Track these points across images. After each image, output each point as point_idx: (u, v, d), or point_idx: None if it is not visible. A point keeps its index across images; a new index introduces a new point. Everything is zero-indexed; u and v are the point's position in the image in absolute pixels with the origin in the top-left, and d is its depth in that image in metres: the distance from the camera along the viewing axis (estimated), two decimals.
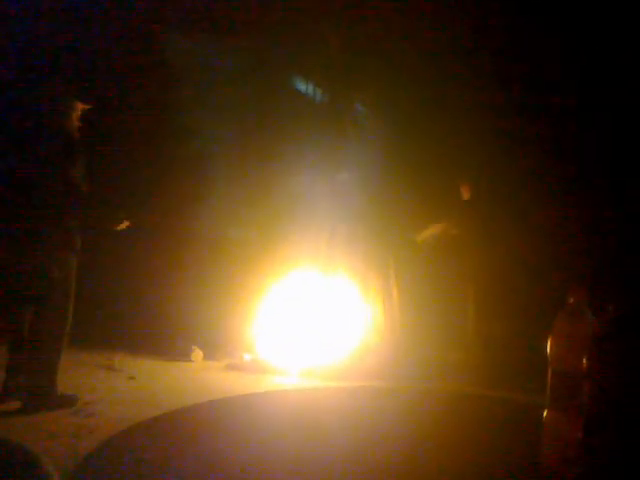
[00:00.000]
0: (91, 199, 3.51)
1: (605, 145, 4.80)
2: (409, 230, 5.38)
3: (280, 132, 5.71)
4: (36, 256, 3.34)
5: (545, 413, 1.70)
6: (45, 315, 3.38)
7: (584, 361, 1.40)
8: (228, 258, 5.45)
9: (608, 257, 4.24)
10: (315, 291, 5.20)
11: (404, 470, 2.00)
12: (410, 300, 5.35)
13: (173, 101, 5.43)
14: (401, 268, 5.42)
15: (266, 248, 5.36)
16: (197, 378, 4.58)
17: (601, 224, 4.67)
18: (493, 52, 5.31)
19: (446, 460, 1.99)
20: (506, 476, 1.84)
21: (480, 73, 5.33)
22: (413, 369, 4.76)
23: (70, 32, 5.01)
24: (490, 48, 5.31)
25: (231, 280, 5.25)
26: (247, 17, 5.61)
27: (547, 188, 5.00)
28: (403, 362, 4.90)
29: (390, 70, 5.72)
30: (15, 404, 3.35)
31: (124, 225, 3.69)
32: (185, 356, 5.06)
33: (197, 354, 5.12)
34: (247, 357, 5.03)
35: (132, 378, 4.34)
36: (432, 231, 5.27)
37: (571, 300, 1.59)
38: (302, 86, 6.27)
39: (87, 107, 3.61)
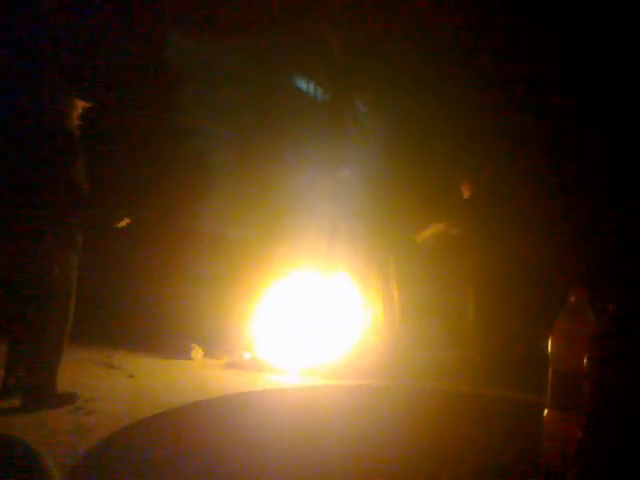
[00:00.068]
0: (91, 197, 3.52)
1: (605, 145, 4.81)
2: (409, 229, 5.38)
3: (280, 131, 5.72)
4: (37, 255, 3.35)
5: (545, 412, 1.70)
6: (46, 313, 3.38)
7: (584, 360, 1.40)
8: (228, 256, 5.46)
9: (608, 256, 4.24)
10: (314, 290, 5.20)
11: (402, 469, 2.00)
12: (409, 299, 5.35)
13: (173, 100, 5.44)
14: (401, 267, 5.43)
15: (266, 247, 5.36)
16: (196, 376, 4.58)
17: (601, 224, 4.67)
18: (493, 52, 5.31)
19: (444, 459, 2.00)
20: (505, 475, 1.85)
21: (480, 72, 5.33)
22: (412, 368, 4.76)
23: (70, 31, 5.01)
24: (490, 47, 5.31)
25: (231, 278, 5.26)
26: (247, 16, 5.61)
27: (547, 188, 5.00)
28: (402, 361, 4.90)
29: (390, 69, 5.72)
30: (15, 402, 3.36)
31: (124, 223, 3.69)
32: (185, 354, 5.06)
33: (197, 352, 5.12)
34: (247, 355, 5.03)
35: (132, 376, 4.35)
36: (432, 231, 5.27)
37: (572, 299, 1.59)
38: (303, 85, 6.27)
39: (87, 106, 3.61)
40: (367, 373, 4.69)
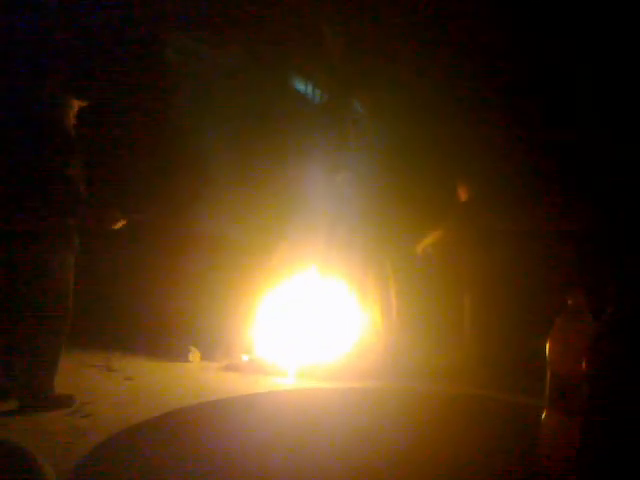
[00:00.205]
0: (89, 198, 3.51)
1: (604, 148, 4.82)
2: (407, 234, 5.39)
3: (280, 133, 5.72)
4: (34, 256, 3.34)
5: (543, 415, 1.70)
6: (43, 316, 3.37)
7: (583, 363, 1.40)
8: (226, 259, 5.46)
9: (606, 259, 4.25)
10: (313, 292, 5.20)
11: (401, 471, 1.99)
12: (407, 301, 5.35)
13: (172, 101, 5.43)
14: (399, 269, 5.43)
15: (264, 249, 5.36)
16: (195, 379, 4.57)
17: (598, 227, 4.68)
18: (491, 57, 5.32)
19: (443, 461, 1.99)
20: (504, 477, 1.84)
21: (478, 77, 5.34)
22: (409, 370, 4.76)
23: (69, 31, 5.01)
24: (489, 52, 5.32)
25: (229, 281, 5.25)
26: (247, 18, 5.61)
27: (543, 193, 5.02)
28: (399, 363, 4.90)
29: (389, 72, 5.73)
30: (12, 404, 3.35)
31: (120, 224, 3.68)
32: (183, 357, 5.06)
33: (195, 355, 5.11)
34: (245, 358, 5.02)
35: (129, 379, 4.34)
36: (431, 240, 5.28)
37: (570, 302, 1.59)
38: (302, 87, 6.28)
39: (84, 105, 3.61)
40: (365, 375, 4.68)
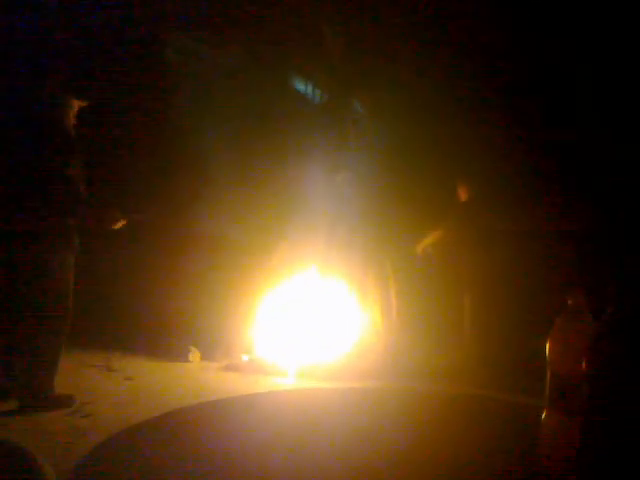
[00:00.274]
0: (89, 198, 3.51)
1: (604, 148, 4.82)
2: (408, 239, 5.39)
3: (280, 133, 5.72)
4: (34, 256, 3.34)
5: (543, 414, 1.70)
6: (43, 315, 3.37)
7: (583, 363, 1.40)
8: (226, 259, 5.45)
9: (606, 259, 4.25)
10: (313, 292, 5.20)
11: (401, 471, 1.99)
12: (407, 301, 5.35)
13: (172, 101, 5.43)
14: (399, 269, 5.43)
15: (265, 249, 5.36)
16: (195, 379, 4.57)
17: (598, 227, 4.68)
18: (492, 57, 5.31)
19: (443, 461, 1.99)
20: (503, 477, 1.84)
21: (478, 76, 5.34)
22: (410, 370, 4.76)
23: (68, 31, 5.01)
24: (489, 52, 5.32)
25: (229, 281, 5.25)
26: (247, 18, 5.61)
27: (543, 193, 5.02)
28: (400, 363, 4.90)
29: (389, 72, 5.73)
30: (12, 404, 3.35)
31: (120, 225, 3.68)
32: (183, 357, 5.06)
33: (195, 355, 5.11)
34: (245, 358, 5.02)
35: (129, 379, 4.34)
36: (431, 240, 5.28)
37: (570, 302, 1.59)
38: (302, 87, 6.28)
39: (84, 105, 3.60)
40: (365, 375, 4.68)
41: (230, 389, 4.24)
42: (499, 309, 4.98)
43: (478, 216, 5.16)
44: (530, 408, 2.00)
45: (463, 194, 5.31)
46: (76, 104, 3.56)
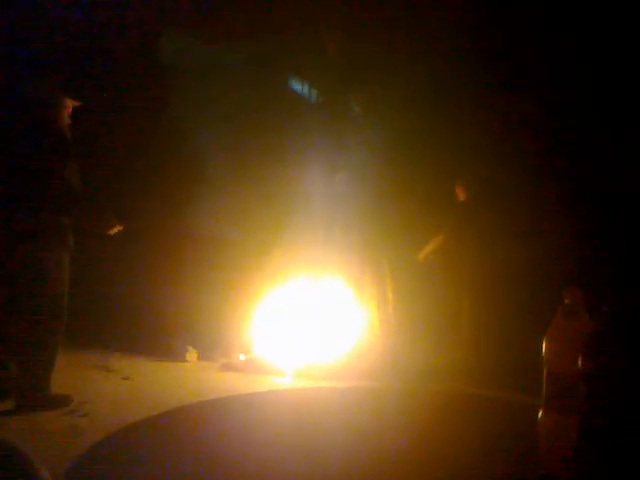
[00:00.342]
0: (84, 197, 3.51)
1: (601, 149, 4.81)
2: (406, 238, 5.38)
3: (277, 133, 5.71)
4: (30, 255, 3.33)
5: (540, 413, 1.70)
6: (39, 315, 3.36)
7: (579, 362, 1.40)
8: (223, 258, 5.45)
9: (602, 259, 4.25)
10: (310, 291, 5.19)
11: (401, 470, 1.99)
12: (406, 301, 5.35)
13: (168, 101, 5.42)
14: (397, 268, 5.43)
15: (263, 249, 5.35)
16: (192, 378, 4.56)
17: (595, 227, 4.68)
18: (491, 56, 5.30)
19: (442, 460, 2.00)
20: (502, 476, 1.84)
21: (477, 76, 5.33)
22: (409, 369, 4.77)
23: (63, 30, 5.00)
24: (488, 52, 5.31)
25: (226, 280, 5.24)
26: (244, 18, 5.60)
27: (541, 192, 5.02)
28: (399, 362, 4.90)
29: (387, 72, 5.73)
30: (9, 404, 3.34)
31: (116, 230, 3.69)
32: (180, 356, 5.05)
33: (192, 354, 5.11)
34: (242, 357, 5.02)
35: (127, 378, 4.33)
36: (432, 247, 5.26)
37: (566, 302, 1.59)
38: (299, 87, 6.27)
39: (77, 104, 3.60)
40: (363, 374, 4.68)
41: (228, 389, 4.24)
42: (497, 308, 4.98)
43: (477, 215, 5.15)
44: (528, 407, 2.01)
45: (462, 194, 5.30)
46: (70, 104, 3.55)
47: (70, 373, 4.06)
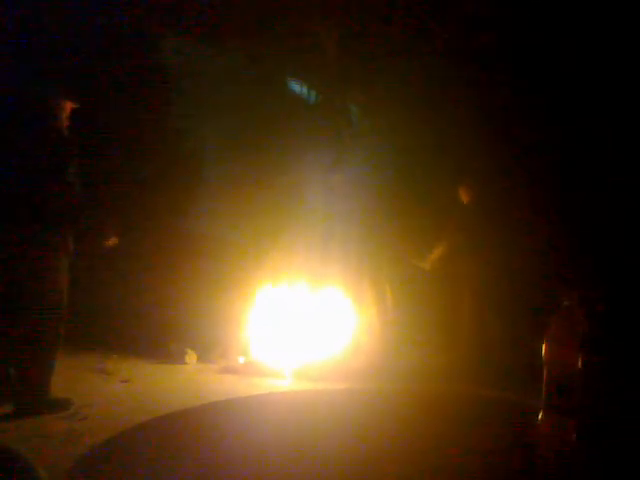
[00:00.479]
0: (83, 200, 3.50)
1: (600, 154, 4.81)
2: (404, 239, 5.38)
3: (275, 133, 5.71)
4: (28, 260, 3.33)
5: (539, 415, 1.71)
6: (38, 318, 3.36)
7: (577, 363, 1.41)
8: (222, 260, 5.45)
9: (600, 260, 4.26)
10: (308, 293, 5.20)
11: (398, 470, 1.99)
12: (403, 302, 5.35)
13: (167, 101, 5.42)
14: (395, 270, 5.43)
15: (261, 251, 5.35)
16: (191, 381, 4.56)
17: (592, 228, 4.68)
18: (489, 60, 5.30)
19: (439, 461, 2.00)
20: (500, 477, 1.84)
21: (476, 78, 5.33)
22: (406, 370, 4.77)
23: (62, 31, 4.99)
24: (486, 55, 5.31)
25: (225, 282, 5.24)
26: (242, 18, 5.61)
27: (539, 195, 5.02)
28: (397, 363, 4.90)
29: (385, 72, 5.73)
30: (8, 408, 3.34)
31: (113, 242, 3.69)
32: (179, 359, 5.05)
33: (191, 357, 5.11)
34: (241, 359, 5.02)
35: (126, 381, 4.33)
36: (437, 254, 5.25)
37: (565, 303, 1.60)
38: (297, 87, 6.27)
39: (76, 107, 3.59)
40: (361, 376, 4.69)
41: (227, 391, 4.24)
42: (495, 309, 4.98)
43: (478, 217, 5.13)
44: (526, 408, 2.01)
45: (466, 195, 5.26)
46: (69, 106, 3.55)
47: (69, 376, 4.05)
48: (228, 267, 5.35)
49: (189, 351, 5.11)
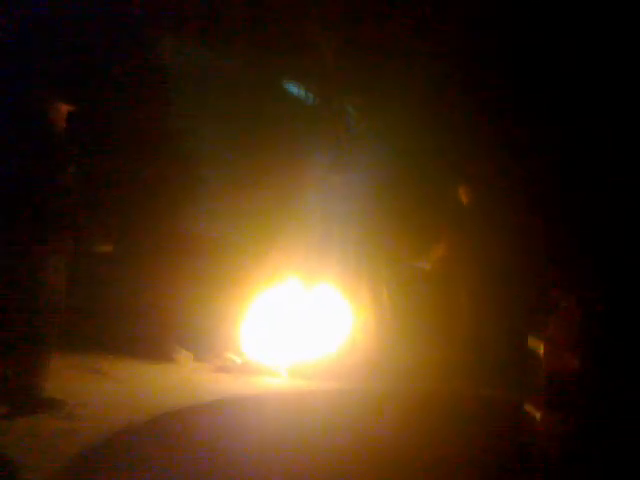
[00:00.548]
0: (80, 201, 3.49)
1: (599, 154, 4.81)
2: (400, 239, 5.37)
3: (272, 135, 5.71)
4: (25, 262, 3.31)
5: (537, 412, 1.71)
6: (33, 318, 3.35)
7: (574, 362, 1.41)
8: (216, 259, 5.43)
9: (597, 260, 4.26)
10: (303, 292, 5.19)
11: (395, 470, 1.99)
12: (402, 301, 5.36)
13: (165, 102, 5.41)
14: (393, 270, 5.43)
15: (255, 250, 5.34)
16: (186, 380, 4.55)
17: (590, 227, 4.68)
18: (487, 61, 5.29)
19: (436, 459, 2.00)
20: (497, 474, 1.84)
21: (473, 79, 5.33)
22: (402, 369, 4.78)
23: (57, 32, 4.96)
24: (484, 57, 5.30)
25: (219, 281, 5.23)
26: (239, 20, 5.60)
27: (535, 194, 5.03)
28: (392, 362, 4.91)
29: (382, 74, 5.72)
30: (2, 408, 3.32)
31: (107, 249, 3.69)
32: (173, 358, 5.03)
33: (186, 356, 5.09)
34: (236, 359, 5.01)
35: (120, 381, 4.31)
36: (436, 254, 5.24)
37: (563, 304, 1.60)
38: (294, 89, 6.26)
39: (71, 109, 3.57)
40: (356, 374, 4.69)
41: (222, 391, 4.23)
42: (491, 308, 4.98)
43: (475, 219, 5.12)
44: (521, 406, 2.01)
45: (465, 196, 5.24)
46: (65, 108, 3.53)
47: (64, 376, 4.02)
48: (224, 267, 5.33)
49: (184, 351, 5.10)
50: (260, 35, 5.61)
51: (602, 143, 4.74)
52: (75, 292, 3.71)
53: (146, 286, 5.34)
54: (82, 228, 3.53)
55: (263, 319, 5.12)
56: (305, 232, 5.24)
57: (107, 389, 4.10)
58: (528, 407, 1.66)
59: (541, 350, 1.63)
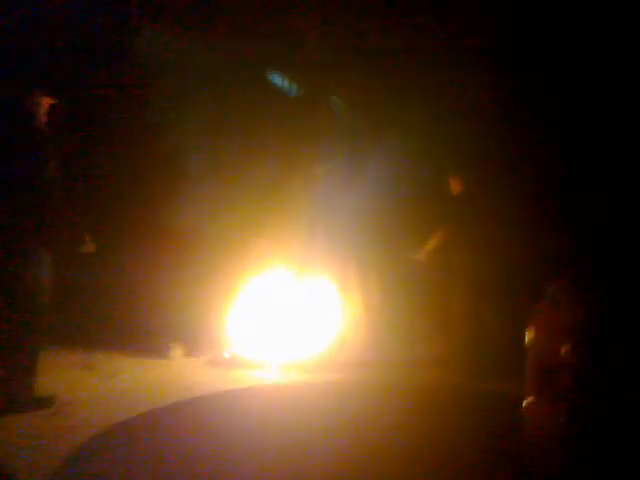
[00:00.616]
0: (63, 195, 3.46)
1: (593, 146, 4.82)
2: (390, 230, 5.36)
3: (257, 128, 5.68)
4: (12, 254, 3.28)
5: (528, 402, 1.72)
6: (21, 314, 3.32)
7: (563, 351, 1.42)
8: (206, 254, 5.41)
9: (587, 248, 4.28)
10: (293, 285, 5.19)
11: (389, 463, 2.00)
12: (399, 293, 5.36)
13: (149, 97, 5.36)
14: (390, 261, 5.42)
15: (244, 244, 5.33)
16: (177, 375, 4.54)
17: (581, 217, 4.71)
18: (483, 48, 5.26)
19: (430, 451, 2.01)
20: (490, 466, 1.86)
21: (463, 68, 5.31)
22: (394, 360, 4.80)
23: (40, 27, 4.90)
24: (479, 44, 5.28)
25: (209, 276, 5.22)
26: (224, 12, 5.56)
27: (528, 184, 5.04)
28: (384, 353, 4.93)
29: (368, 65, 5.70)
30: None
31: (90, 249, 3.66)
32: (164, 353, 5.02)
33: (176, 351, 5.08)
34: (227, 353, 5.01)
35: (111, 377, 4.29)
36: (432, 245, 5.22)
37: (550, 291, 1.60)
38: (279, 81, 6.23)
39: (54, 102, 3.53)
40: (349, 367, 4.71)
41: (213, 385, 4.22)
42: (489, 301, 4.99)
43: (472, 210, 5.10)
44: (514, 396, 2.03)
45: (457, 186, 5.21)
46: (46, 102, 3.48)
47: (53, 373, 4.01)
48: (213, 261, 5.32)
49: (175, 345, 5.09)
50: (245, 26, 5.57)
51: (602, 143, 4.75)
52: (63, 288, 3.69)
53: (135, 281, 5.31)
54: (66, 223, 3.50)
55: (252, 312, 5.12)
56: (294, 223, 5.23)
57: (97, 385, 4.08)
58: (526, 403, 1.67)
59: (533, 340, 1.64)
